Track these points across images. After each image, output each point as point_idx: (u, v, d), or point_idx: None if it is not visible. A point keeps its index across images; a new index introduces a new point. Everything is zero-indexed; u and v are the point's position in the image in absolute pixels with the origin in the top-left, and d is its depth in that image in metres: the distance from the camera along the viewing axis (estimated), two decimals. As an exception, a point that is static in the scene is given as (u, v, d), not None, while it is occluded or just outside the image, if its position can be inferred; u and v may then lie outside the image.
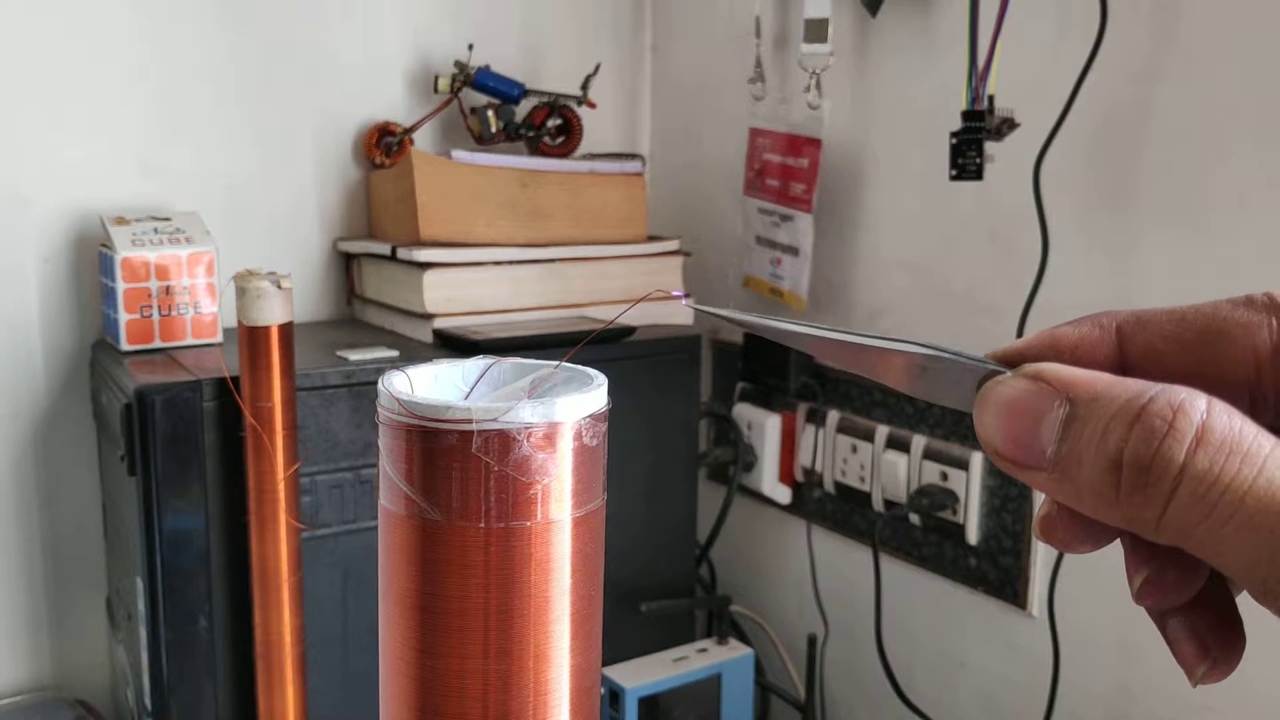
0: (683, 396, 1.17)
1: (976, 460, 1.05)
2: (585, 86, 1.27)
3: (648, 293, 1.19)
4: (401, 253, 1.12)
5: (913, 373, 0.31)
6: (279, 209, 1.23)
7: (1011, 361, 0.30)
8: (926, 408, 1.10)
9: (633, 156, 1.27)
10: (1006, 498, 1.03)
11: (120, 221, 1.07)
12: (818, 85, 1.13)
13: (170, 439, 0.91)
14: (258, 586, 0.92)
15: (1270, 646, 0.85)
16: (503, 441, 0.29)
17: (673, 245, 1.25)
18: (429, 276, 1.09)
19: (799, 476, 1.25)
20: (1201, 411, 0.26)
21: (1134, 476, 0.26)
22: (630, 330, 1.12)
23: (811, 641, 1.16)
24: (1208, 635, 0.30)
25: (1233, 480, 0.25)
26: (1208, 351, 0.30)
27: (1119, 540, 0.30)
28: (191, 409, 0.92)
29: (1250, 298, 0.30)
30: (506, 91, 1.24)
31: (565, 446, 0.30)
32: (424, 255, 1.10)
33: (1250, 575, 0.26)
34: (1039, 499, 1.01)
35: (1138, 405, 0.26)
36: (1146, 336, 0.30)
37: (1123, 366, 0.30)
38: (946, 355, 0.31)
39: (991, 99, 0.93)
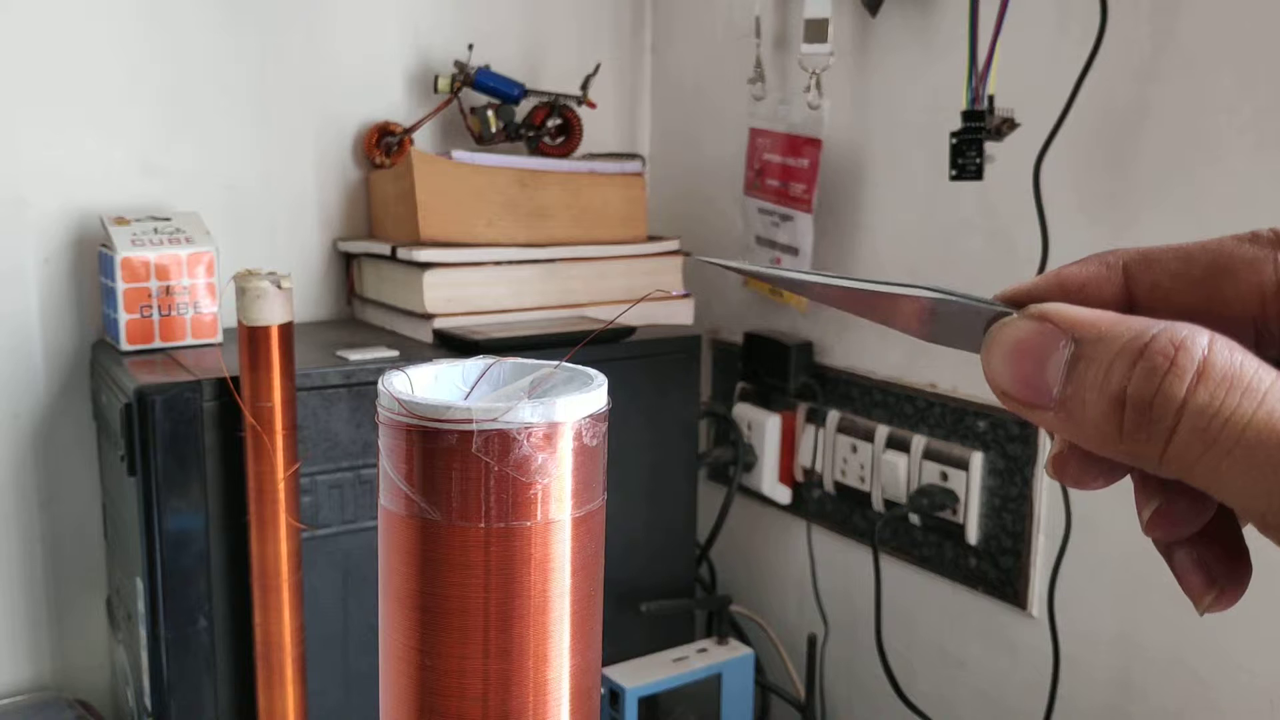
0: (683, 396, 1.17)
1: (976, 460, 1.05)
2: (585, 86, 1.27)
3: (648, 293, 1.19)
4: (401, 253, 1.12)
5: (922, 317, 0.31)
6: (279, 209, 1.23)
7: (1019, 302, 0.30)
8: (927, 407, 1.10)
9: (633, 156, 1.27)
10: (1006, 498, 1.03)
11: (120, 221, 1.07)
12: (818, 85, 1.13)
13: (170, 439, 0.91)
14: (258, 586, 0.92)
15: (1272, 640, 0.85)
16: (503, 441, 0.29)
17: (673, 245, 1.25)
18: (429, 276, 1.09)
19: (799, 476, 1.25)
20: (1203, 347, 0.26)
21: (1137, 414, 0.26)
22: (630, 330, 1.12)
23: (811, 641, 1.16)
24: (1214, 565, 0.30)
25: (1233, 414, 0.25)
26: (1213, 288, 0.30)
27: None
28: (191, 409, 0.92)
29: (1256, 234, 0.30)
30: (506, 91, 1.25)
31: (565, 446, 0.30)
32: (424, 255, 1.10)
33: (1251, 507, 0.26)
34: (1040, 499, 1.01)
35: (1140, 343, 0.27)
36: (1153, 274, 0.30)
37: (1129, 304, 0.31)
38: (955, 298, 0.31)
39: (991, 99, 0.93)
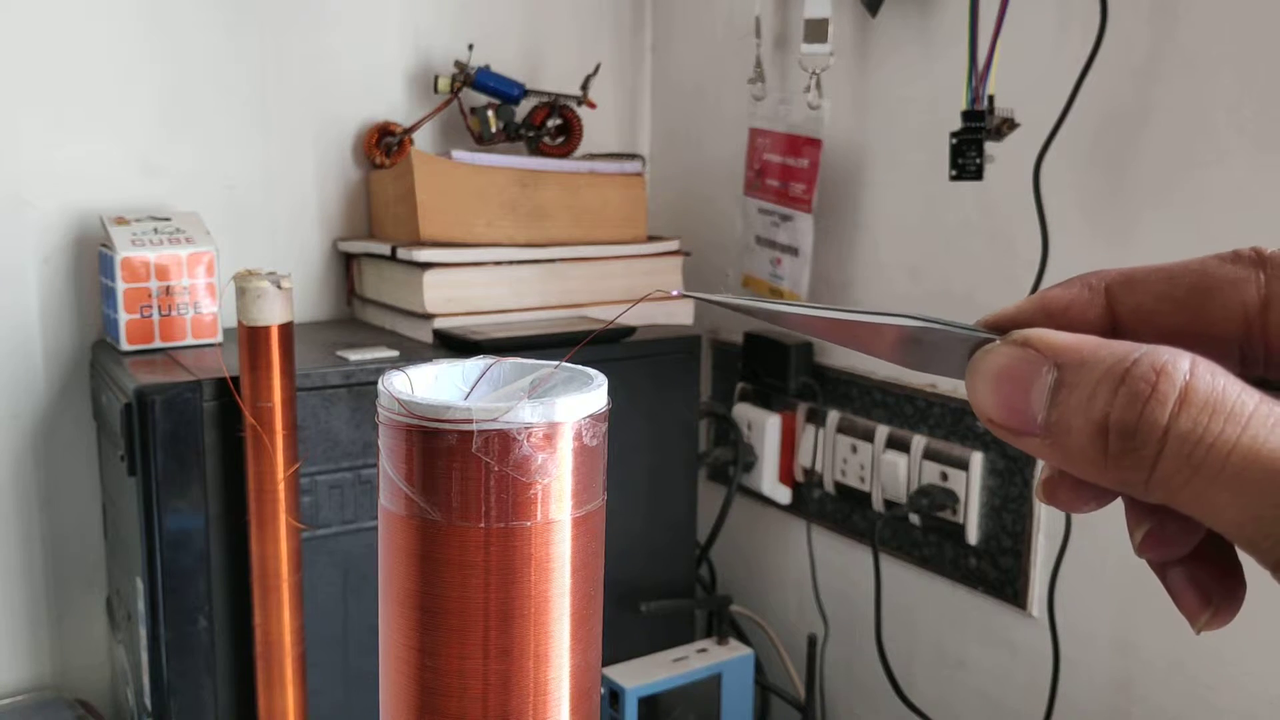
0: (683, 396, 1.17)
1: (976, 460, 1.05)
2: (585, 86, 1.27)
3: (648, 293, 1.19)
4: (401, 253, 1.12)
5: (905, 345, 0.31)
6: (279, 209, 1.23)
7: (1002, 328, 0.30)
8: (926, 407, 1.10)
9: (633, 157, 1.27)
10: (1006, 498, 1.03)
11: (120, 221, 1.07)
12: (818, 85, 1.13)
13: (170, 439, 0.91)
14: (258, 586, 0.92)
15: (1272, 642, 0.85)
16: (503, 441, 0.29)
17: (673, 245, 1.25)
18: (429, 276, 1.09)
19: (799, 476, 1.25)
20: (1184, 372, 0.26)
21: (1120, 440, 0.26)
22: (630, 330, 1.12)
23: (811, 641, 1.16)
24: (1209, 584, 0.30)
25: (1216, 439, 0.25)
26: (1197, 308, 0.30)
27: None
28: (191, 409, 0.92)
29: (1238, 253, 0.30)
30: (506, 91, 1.24)
31: (565, 446, 0.30)
32: (424, 255, 1.10)
33: (1239, 532, 0.26)
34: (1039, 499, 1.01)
35: (1121, 369, 0.26)
36: (1136, 296, 0.30)
37: (1113, 327, 0.31)
38: (938, 326, 0.31)
39: (991, 99, 0.93)
